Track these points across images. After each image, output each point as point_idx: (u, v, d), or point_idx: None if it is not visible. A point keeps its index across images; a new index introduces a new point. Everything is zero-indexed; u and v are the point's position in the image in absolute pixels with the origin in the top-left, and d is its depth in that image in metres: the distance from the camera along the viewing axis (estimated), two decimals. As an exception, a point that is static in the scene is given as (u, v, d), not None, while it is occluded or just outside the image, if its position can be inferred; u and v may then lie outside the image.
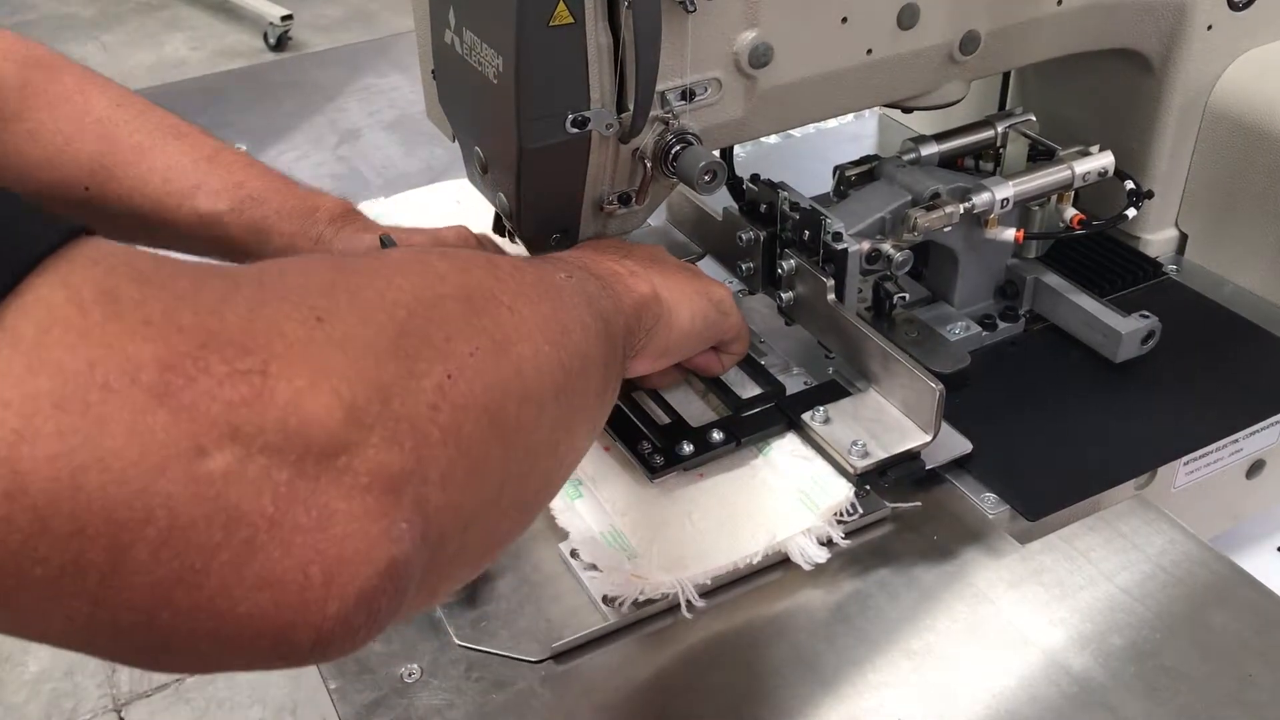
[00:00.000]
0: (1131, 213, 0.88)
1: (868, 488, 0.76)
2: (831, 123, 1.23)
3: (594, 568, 0.71)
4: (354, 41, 3.65)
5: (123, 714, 1.84)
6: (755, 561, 0.72)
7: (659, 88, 0.72)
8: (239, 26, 3.93)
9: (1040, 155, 0.91)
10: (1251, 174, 0.93)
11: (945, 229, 0.84)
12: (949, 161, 0.91)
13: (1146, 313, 0.87)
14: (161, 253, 0.39)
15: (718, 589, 0.71)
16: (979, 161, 0.93)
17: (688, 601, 0.70)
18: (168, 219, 0.81)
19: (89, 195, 0.81)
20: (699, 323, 0.74)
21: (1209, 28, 0.92)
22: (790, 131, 1.16)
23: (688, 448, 0.77)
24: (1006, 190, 0.84)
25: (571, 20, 0.68)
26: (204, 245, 0.83)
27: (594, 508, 0.75)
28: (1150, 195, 0.90)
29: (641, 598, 0.69)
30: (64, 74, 0.82)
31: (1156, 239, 1.01)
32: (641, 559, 0.70)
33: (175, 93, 1.40)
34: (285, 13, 3.71)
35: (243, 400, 0.35)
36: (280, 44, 3.78)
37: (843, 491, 0.75)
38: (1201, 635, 0.68)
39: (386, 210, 1.07)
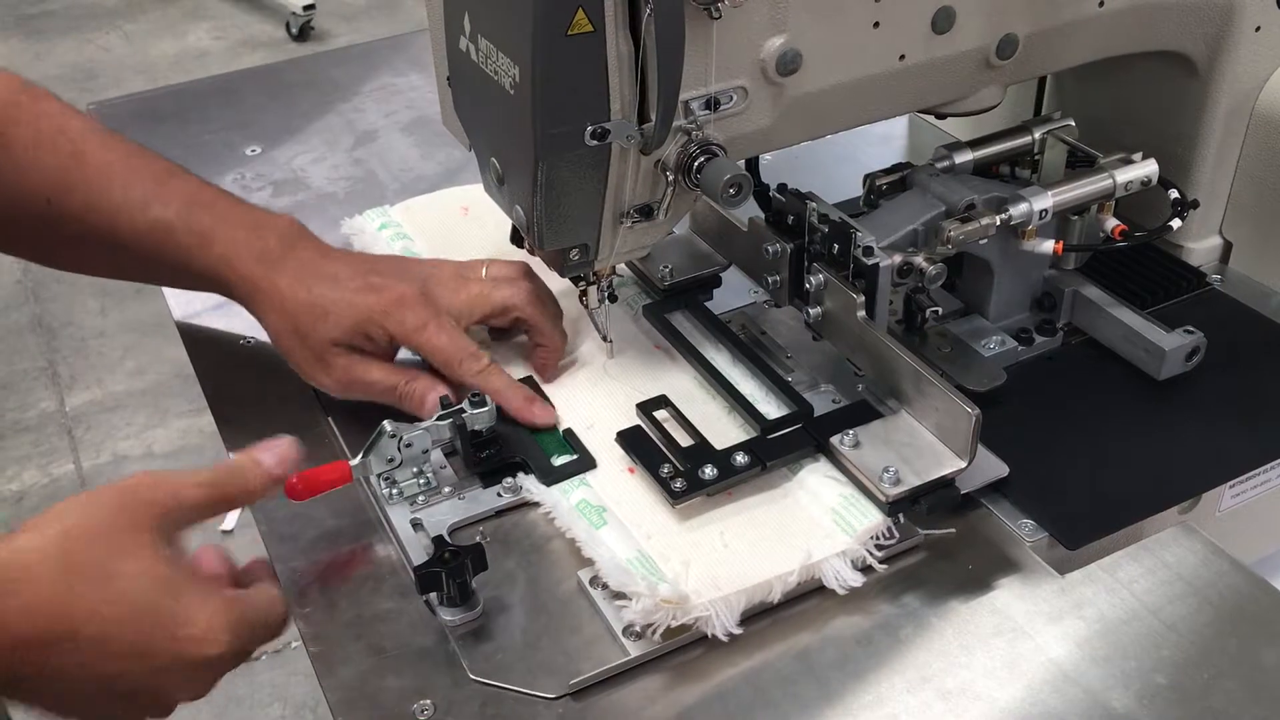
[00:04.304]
0: (1176, 224, 0.84)
1: (900, 516, 0.73)
2: (860, 123, 1.20)
3: (621, 597, 0.68)
4: (376, 31, 3.64)
5: (143, 712, 1.84)
6: (791, 581, 0.69)
7: (682, 97, 0.69)
8: (261, 16, 3.91)
9: (1080, 162, 0.87)
10: (1301, 181, 0.89)
11: (981, 241, 0.81)
12: (984, 169, 0.88)
13: (1191, 328, 0.84)
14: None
15: (745, 620, 0.69)
16: (1015, 169, 0.89)
17: (723, 628, 0.67)
18: (122, 230, 0.83)
19: (49, 208, 0.83)
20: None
21: (1257, 29, 0.88)
22: (818, 132, 1.12)
23: (711, 471, 0.74)
24: (1045, 201, 0.81)
25: (591, 28, 0.65)
26: (149, 259, 0.84)
27: (620, 534, 0.72)
28: (1195, 205, 0.87)
29: (674, 623, 0.66)
30: (49, 101, 0.85)
31: (1200, 248, 0.98)
32: (673, 583, 0.68)
33: (192, 92, 1.38)
34: (308, 1, 3.70)
35: None
36: (303, 33, 3.77)
37: (878, 513, 0.72)
38: (1252, 675, 0.65)
39: (393, 218, 1.04)
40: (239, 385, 0.90)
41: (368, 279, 0.82)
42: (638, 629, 0.67)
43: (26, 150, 0.82)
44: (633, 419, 0.80)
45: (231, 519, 2.11)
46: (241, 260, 0.82)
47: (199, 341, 0.96)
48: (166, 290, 0.99)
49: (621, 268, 0.92)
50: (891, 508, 0.72)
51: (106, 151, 0.84)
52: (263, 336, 0.87)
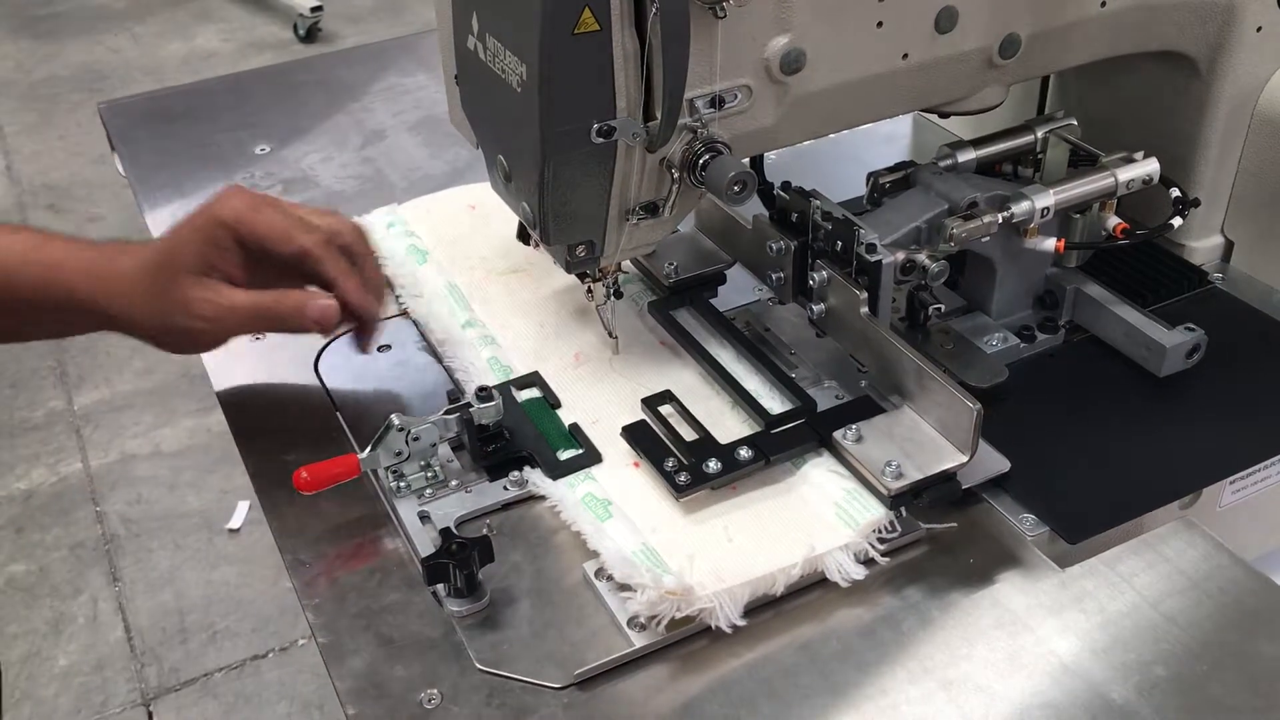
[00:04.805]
0: (1177, 222, 0.85)
1: (902, 510, 0.73)
2: (865, 123, 1.20)
3: (626, 588, 0.69)
4: (383, 32, 3.65)
5: (151, 709, 1.85)
6: (794, 573, 0.70)
7: (687, 95, 0.70)
8: (269, 17, 3.92)
9: (1082, 161, 0.88)
10: (1302, 180, 0.90)
11: (983, 239, 0.81)
12: (987, 168, 0.88)
13: (1192, 325, 0.84)
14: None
15: (748, 611, 0.69)
16: (1018, 167, 0.90)
17: (727, 619, 0.68)
18: None
19: None
20: None
21: (1258, 29, 0.89)
22: (822, 132, 1.13)
23: (715, 465, 0.75)
24: (1047, 199, 0.82)
25: (597, 27, 0.66)
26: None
27: (625, 527, 0.73)
28: (1196, 204, 0.87)
29: (679, 615, 0.67)
30: None
31: (1202, 246, 0.98)
32: (677, 575, 0.68)
33: (202, 92, 1.39)
34: (316, 3, 3.71)
35: None
36: (310, 35, 3.78)
37: (881, 507, 0.73)
38: (1250, 667, 0.66)
39: (400, 216, 1.05)
40: (249, 382, 0.91)
41: (190, 215, 0.80)
42: (642, 620, 0.68)
43: None
44: (638, 414, 0.81)
45: (239, 517, 2.13)
46: (86, 269, 0.80)
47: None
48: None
49: (627, 264, 0.93)
50: (894, 501, 0.73)
51: None
52: (271, 334, 0.88)
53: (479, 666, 0.67)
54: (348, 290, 0.80)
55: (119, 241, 0.82)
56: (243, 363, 0.92)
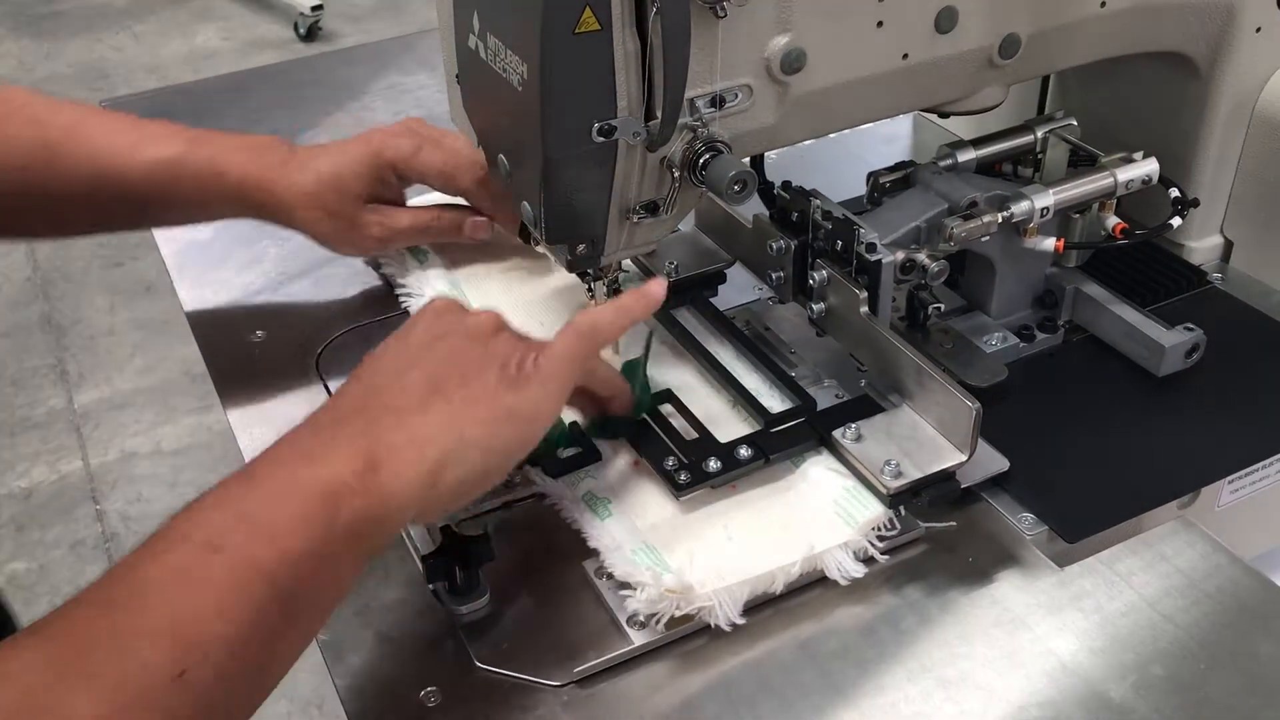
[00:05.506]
0: (1176, 222, 0.85)
1: (901, 509, 0.74)
2: (865, 123, 1.21)
3: (625, 586, 0.69)
4: (383, 32, 3.66)
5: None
6: (794, 572, 0.70)
7: (688, 95, 0.70)
8: (270, 17, 3.93)
9: (1081, 161, 0.88)
10: (1301, 180, 0.90)
11: (983, 238, 0.81)
12: (986, 167, 0.89)
13: (1191, 325, 0.84)
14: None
15: (747, 609, 0.70)
16: (1017, 167, 0.90)
17: (727, 617, 0.68)
18: (116, 176, 0.87)
19: (26, 174, 0.86)
20: (463, 472, 0.62)
21: (1258, 29, 0.89)
22: (823, 132, 1.13)
23: (714, 464, 0.75)
24: (1047, 199, 0.82)
25: (598, 27, 0.66)
26: (154, 199, 0.88)
27: (625, 525, 0.73)
28: (1196, 204, 0.87)
29: (678, 613, 0.67)
30: (4, 89, 0.90)
31: (1201, 246, 0.98)
32: (677, 573, 0.69)
33: (203, 90, 1.39)
34: (316, 2, 3.71)
35: None
36: (311, 34, 3.78)
37: (880, 505, 0.73)
38: (1248, 666, 0.66)
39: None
40: (250, 379, 0.91)
41: (355, 138, 0.92)
42: (642, 618, 0.68)
43: None
44: (638, 413, 0.81)
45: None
46: (260, 176, 0.89)
47: (210, 336, 0.97)
48: (178, 285, 1.01)
49: (627, 263, 0.93)
50: (893, 500, 0.73)
51: (63, 113, 0.88)
52: (271, 333, 0.88)
53: (478, 664, 0.67)
54: (496, 216, 0.94)
55: (269, 140, 0.91)
56: (244, 361, 0.92)
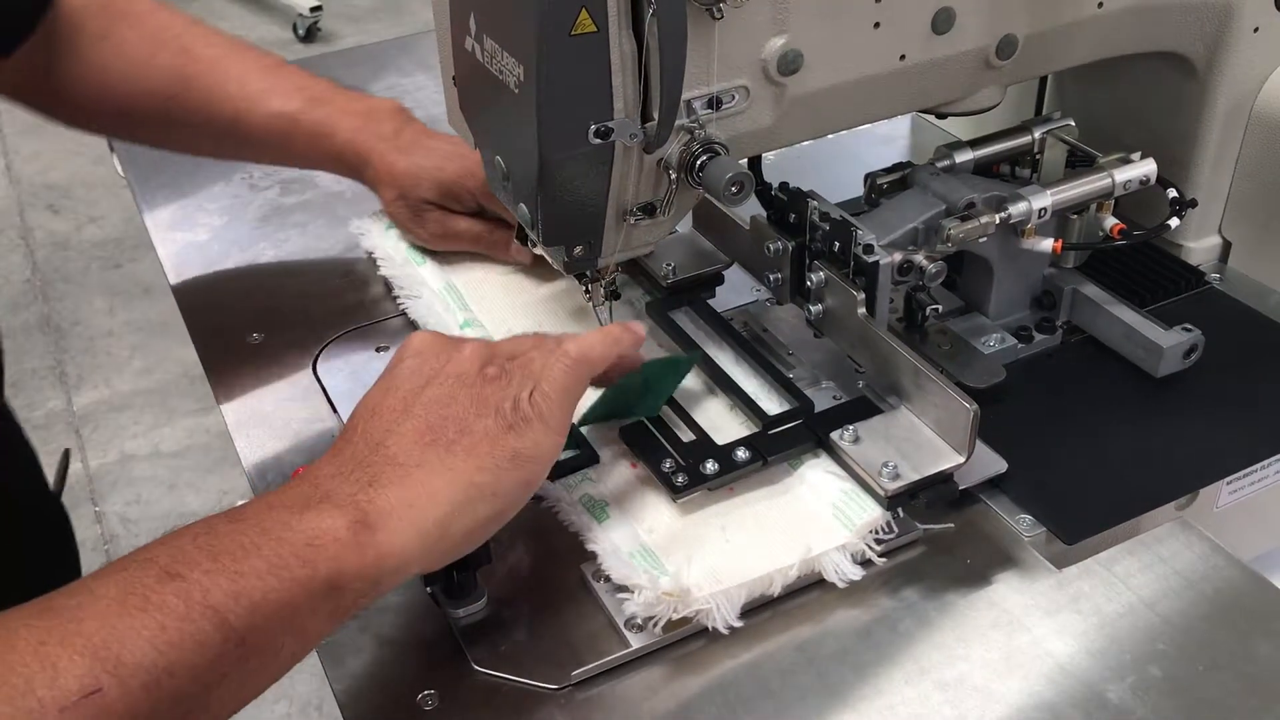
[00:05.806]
0: (1174, 223, 0.85)
1: (899, 511, 0.73)
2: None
3: (623, 589, 0.69)
4: (382, 33, 3.65)
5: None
6: (791, 574, 0.70)
7: (684, 96, 0.70)
8: (269, 17, 3.93)
9: (1079, 162, 0.88)
10: (1299, 180, 0.90)
11: (980, 239, 0.81)
12: (984, 168, 0.88)
13: (1189, 326, 0.84)
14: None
15: (745, 612, 0.69)
16: (1015, 168, 0.90)
17: (724, 620, 0.68)
18: (241, 122, 0.94)
19: (170, 104, 0.94)
20: (461, 523, 0.62)
21: (1255, 30, 0.89)
22: (821, 132, 1.13)
23: (712, 466, 0.75)
24: (1044, 200, 0.82)
25: (594, 29, 0.66)
26: (271, 147, 0.96)
27: (622, 528, 0.73)
28: (1194, 204, 0.87)
29: (675, 616, 0.67)
30: (168, 14, 0.96)
31: (1199, 247, 0.98)
32: (674, 576, 0.69)
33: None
34: (315, 3, 3.71)
35: None
36: (310, 35, 3.78)
37: (878, 508, 0.73)
38: (1246, 667, 0.66)
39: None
40: (248, 381, 0.91)
41: (458, 148, 0.95)
42: (639, 621, 0.68)
43: (141, 52, 0.92)
44: (635, 415, 0.81)
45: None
46: (362, 144, 0.95)
47: (207, 338, 0.97)
48: (174, 289, 1.01)
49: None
50: (890, 502, 0.73)
51: (212, 46, 0.95)
52: (269, 333, 0.88)
53: (476, 667, 0.67)
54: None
55: (386, 108, 0.98)
56: (242, 363, 0.92)
